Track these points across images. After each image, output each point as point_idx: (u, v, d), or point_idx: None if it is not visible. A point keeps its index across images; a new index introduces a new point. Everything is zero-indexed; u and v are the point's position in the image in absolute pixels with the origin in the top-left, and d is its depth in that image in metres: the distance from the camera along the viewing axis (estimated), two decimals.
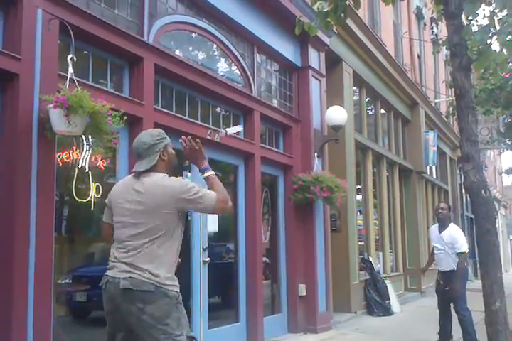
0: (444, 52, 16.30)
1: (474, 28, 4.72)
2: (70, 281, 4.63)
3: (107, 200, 3.15)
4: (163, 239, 2.87)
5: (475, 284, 16.35)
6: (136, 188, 2.93)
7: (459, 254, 6.43)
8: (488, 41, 4.30)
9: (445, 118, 16.37)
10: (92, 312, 4.80)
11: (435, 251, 6.71)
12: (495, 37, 4.31)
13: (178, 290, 2.91)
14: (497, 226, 4.62)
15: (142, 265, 2.81)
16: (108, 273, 2.91)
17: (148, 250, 2.84)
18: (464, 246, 6.46)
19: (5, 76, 3.67)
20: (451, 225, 6.74)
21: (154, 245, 2.85)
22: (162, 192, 2.87)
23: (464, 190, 19.02)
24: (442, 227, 6.66)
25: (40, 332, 3.65)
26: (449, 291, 6.40)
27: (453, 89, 11.57)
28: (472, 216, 20.09)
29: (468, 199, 19.87)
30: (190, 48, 6.00)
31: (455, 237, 6.53)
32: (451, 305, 6.47)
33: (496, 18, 4.25)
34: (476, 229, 4.26)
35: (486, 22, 4.39)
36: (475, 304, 7.59)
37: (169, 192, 2.87)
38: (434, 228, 6.89)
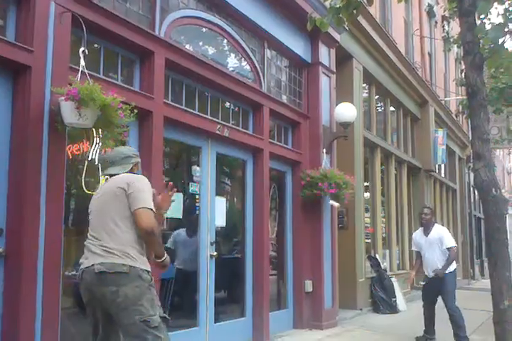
0: (455, 50, 16.23)
1: (487, 27, 4.67)
2: (77, 273, 4.64)
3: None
4: (127, 222, 3.03)
5: (481, 284, 16.38)
6: (104, 185, 3.23)
7: (449, 249, 6.55)
8: (501, 39, 4.28)
9: (455, 117, 16.31)
10: None
11: (426, 256, 6.68)
12: (508, 35, 4.29)
13: (151, 274, 3.06)
14: None
15: (113, 248, 2.96)
16: (82, 266, 3.06)
17: (117, 234, 3.00)
18: (452, 240, 6.65)
19: (17, 68, 3.69)
20: (436, 225, 6.90)
21: (121, 229, 3.01)
22: (118, 183, 3.10)
23: (472, 189, 18.97)
24: (427, 231, 6.76)
25: (48, 323, 3.67)
26: (441, 292, 6.51)
27: (464, 87, 11.51)
28: (480, 215, 20.08)
29: (477, 198, 19.84)
30: (201, 43, 6.00)
31: (442, 233, 6.68)
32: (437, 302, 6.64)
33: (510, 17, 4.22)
34: (486, 227, 4.25)
35: (498, 20, 4.37)
36: (480, 303, 7.61)
37: (123, 180, 3.11)
38: (419, 233, 6.90)
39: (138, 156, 3.38)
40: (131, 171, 3.26)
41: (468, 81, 4.26)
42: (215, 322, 5.70)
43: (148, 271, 3.03)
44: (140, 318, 2.86)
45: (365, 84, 10.07)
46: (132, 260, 2.96)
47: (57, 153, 3.85)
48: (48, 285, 3.70)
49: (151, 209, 3.03)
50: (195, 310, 5.51)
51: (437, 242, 6.59)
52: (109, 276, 2.90)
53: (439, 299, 6.61)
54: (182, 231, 5.83)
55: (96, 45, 4.51)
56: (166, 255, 3.15)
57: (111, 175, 3.24)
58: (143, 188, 3.07)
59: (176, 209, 5.06)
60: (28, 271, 3.58)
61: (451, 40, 11.55)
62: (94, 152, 4.02)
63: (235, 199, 6.98)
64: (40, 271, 3.66)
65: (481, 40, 4.48)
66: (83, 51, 3.97)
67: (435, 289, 6.58)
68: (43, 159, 3.73)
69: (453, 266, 6.62)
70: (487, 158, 4.15)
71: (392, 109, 12.00)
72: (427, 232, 6.74)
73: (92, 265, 2.95)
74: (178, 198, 4.80)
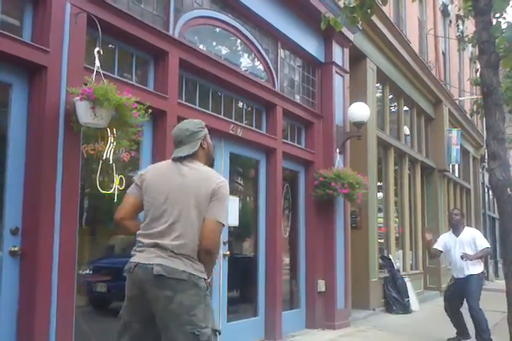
0: (470, 49, 16.10)
1: (503, 26, 4.65)
2: (91, 272, 4.68)
3: (137, 178, 2.98)
4: (197, 227, 2.79)
5: (496, 284, 16.24)
6: (181, 172, 2.87)
7: (484, 250, 6.55)
8: None
9: (469, 117, 16.19)
10: (112, 302, 4.86)
11: (454, 257, 6.63)
12: None
13: (208, 282, 2.86)
14: None
15: (176, 252, 2.74)
16: (137, 258, 2.81)
17: (183, 237, 2.76)
18: (486, 241, 6.63)
19: (33, 68, 3.73)
20: (466, 227, 6.87)
21: (189, 232, 2.77)
22: (204, 183, 2.82)
23: (486, 189, 18.82)
24: (456, 232, 6.73)
25: (62, 322, 3.70)
26: (465, 293, 6.46)
27: (478, 87, 11.41)
28: (494, 215, 19.92)
29: (491, 198, 19.69)
30: (215, 43, 6.02)
31: (475, 235, 6.66)
32: (463, 304, 6.57)
33: None
34: (500, 227, 4.22)
35: None
36: (495, 304, 7.56)
37: (209, 186, 2.81)
38: (448, 234, 6.90)
39: (204, 128, 3.03)
40: (201, 146, 2.97)
41: (484, 80, 4.23)
42: (227, 322, 5.71)
43: (205, 279, 2.83)
44: (191, 329, 2.66)
45: (378, 84, 10.04)
46: (193, 268, 2.76)
47: (73, 152, 3.87)
48: (63, 284, 3.73)
49: (223, 225, 2.81)
50: None
51: (469, 243, 6.55)
52: (166, 281, 2.70)
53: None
54: None
55: (110, 46, 4.54)
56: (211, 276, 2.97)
57: (180, 158, 2.92)
58: (225, 198, 2.84)
59: None
60: (43, 270, 3.61)
61: (466, 39, 11.46)
62: (109, 152, 4.06)
63: (248, 198, 6.99)
64: (55, 269, 3.69)
65: (496, 40, 4.44)
66: (98, 51, 3.99)
67: (460, 292, 6.51)
68: (58, 158, 3.76)
69: (479, 269, 6.56)
70: (502, 157, 4.12)
71: (405, 108, 11.95)
72: (457, 233, 6.70)
73: (151, 263, 2.73)
74: None
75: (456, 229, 6.74)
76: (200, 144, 2.97)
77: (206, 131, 3.05)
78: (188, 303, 2.70)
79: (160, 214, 2.82)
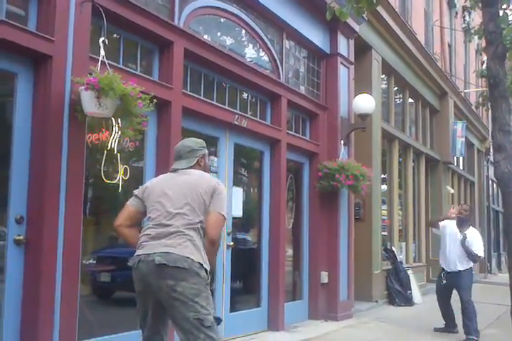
0: (476, 41, 16.01)
1: (510, 17, 4.61)
2: (95, 262, 4.70)
3: (137, 191, 3.25)
4: (201, 224, 3.02)
5: (498, 278, 16.25)
6: (180, 178, 3.14)
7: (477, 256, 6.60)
8: None
9: (474, 109, 16.12)
10: (116, 292, 4.88)
11: (448, 249, 6.68)
12: None
13: (208, 273, 3.02)
14: None
15: (178, 244, 2.92)
16: (140, 252, 2.99)
17: (186, 233, 2.96)
18: (482, 250, 6.64)
19: (38, 57, 3.71)
20: (472, 228, 6.84)
21: (191, 229, 2.99)
22: (202, 180, 3.10)
23: (490, 182, 18.79)
24: (461, 228, 6.69)
25: (67, 310, 3.72)
26: (457, 287, 6.55)
27: (484, 79, 11.33)
28: (498, 209, 19.89)
29: (495, 191, 19.65)
30: (220, 33, 5.99)
31: (476, 240, 6.64)
32: (452, 299, 6.70)
33: None
34: (504, 220, 4.22)
35: None
36: (497, 297, 7.56)
37: (208, 185, 3.08)
38: (452, 225, 6.80)
39: (204, 148, 3.34)
40: (198, 163, 3.25)
41: (490, 72, 4.21)
42: (230, 312, 5.73)
43: (206, 270, 2.99)
44: (194, 315, 2.83)
45: (383, 75, 9.99)
46: (194, 258, 2.91)
47: (77, 142, 3.87)
48: (67, 273, 3.74)
49: (225, 218, 3.09)
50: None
51: (469, 245, 6.56)
52: (167, 270, 2.85)
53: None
54: None
55: (115, 35, 4.53)
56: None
57: (176, 170, 3.22)
58: (224, 195, 3.12)
59: None
60: (47, 259, 3.62)
61: (472, 30, 11.40)
62: (113, 142, 4.06)
63: (252, 190, 6.99)
64: (60, 258, 3.70)
65: (503, 31, 4.41)
66: (103, 41, 3.98)
67: (450, 284, 6.61)
68: (63, 148, 3.76)
69: (470, 263, 6.61)
70: (508, 150, 4.10)
71: (410, 100, 11.90)
72: (461, 230, 6.66)
73: (153, 253, 2.91)
74: None
75: (462, 225, 6.68)
76: (197, 161, 3.26)
77: (205, 151, 3.34)
78: (190, 292, 2.86)
79: (162, 214, 3.04)
